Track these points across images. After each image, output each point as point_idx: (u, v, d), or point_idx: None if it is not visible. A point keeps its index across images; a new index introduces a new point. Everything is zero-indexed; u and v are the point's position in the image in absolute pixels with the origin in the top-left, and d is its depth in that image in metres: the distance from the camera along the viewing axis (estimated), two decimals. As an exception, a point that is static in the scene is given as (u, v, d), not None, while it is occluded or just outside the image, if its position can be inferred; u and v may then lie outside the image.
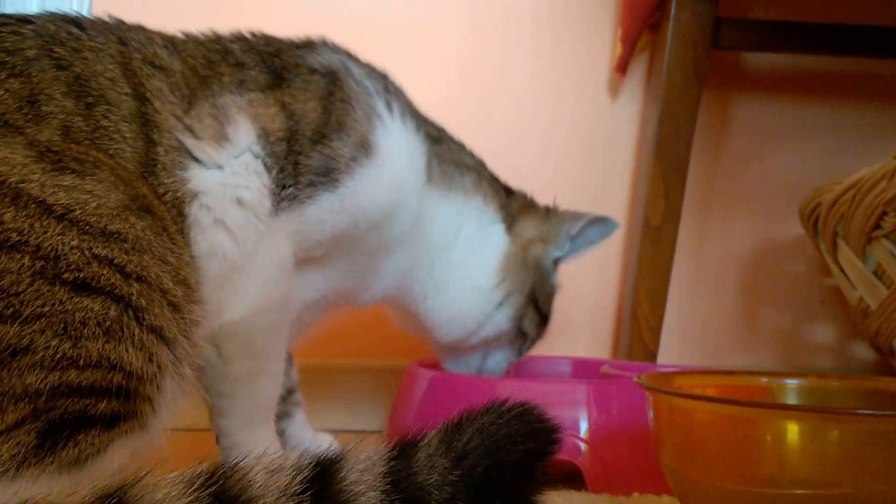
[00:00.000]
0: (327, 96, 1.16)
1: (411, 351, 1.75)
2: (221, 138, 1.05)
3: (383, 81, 1.28)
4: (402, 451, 0.85)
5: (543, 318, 1.47)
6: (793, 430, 0.82)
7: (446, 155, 1.36)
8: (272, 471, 0.79)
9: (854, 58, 1.94)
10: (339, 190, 1.13)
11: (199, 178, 1.03)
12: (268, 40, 1.20)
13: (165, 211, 0.96)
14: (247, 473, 0.78)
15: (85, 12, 1.72)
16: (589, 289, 1.93)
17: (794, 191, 1.85)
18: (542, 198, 1.88)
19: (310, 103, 1.14)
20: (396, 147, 1.22)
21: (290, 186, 1.10)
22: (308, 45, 1.24)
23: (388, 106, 1.24)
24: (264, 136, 1.09)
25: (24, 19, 0.99)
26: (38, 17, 1.01)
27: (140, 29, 1.10)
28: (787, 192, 1.93)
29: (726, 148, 2.00)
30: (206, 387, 1.09)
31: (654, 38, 1.88)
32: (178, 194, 1.00)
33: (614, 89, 1.96)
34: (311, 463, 0.81)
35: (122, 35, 1.05)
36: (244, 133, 1.08)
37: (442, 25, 1.92)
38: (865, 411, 0.82)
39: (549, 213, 1.49)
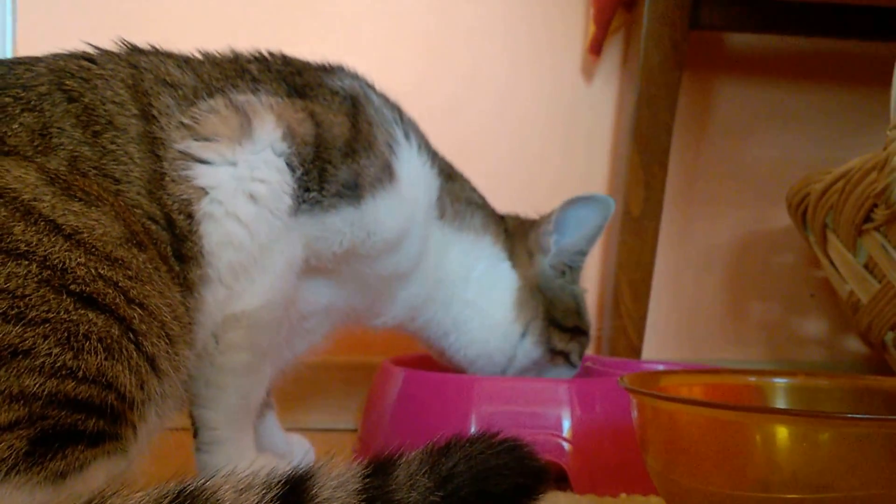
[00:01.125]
0: (354, 115, 1.20)
1: (386, 348, 1.75)
2: (242, 132, 1.09)
3: (398, 112, 1.32)
4: (378, 469, 0.86)
5: (574, 330, 1.46)
6: (782, 434, 0.82)
7: (458, 193, 1.40)
8: (241, 489, 0.80)
9: (843, 39, 1.92)
10: (361, 206, 1.18)
11: (207, 175, 1.06)
12: (286, 60, 1.24)
13: (156, 253, 0.98)
14: (215, 492, 0.79)
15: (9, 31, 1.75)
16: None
17: (782, 178, 1.83)
18: (516, 188, 1.88)
19: (338, 117, 1.18)
20: (414, 177, 1.27)
21: (313, 191, 1.14)
22: (328, 69, 1.28)
23: (407, 136, 1.28)
24: (290, 136, 1.12)
25: (36, 59, 1.05)
26: (48, 56, 1.07)
27: (154, 52, 1.14)
28: (775, 180, 1.91)
29: (709, 134, 1.99)
30: (193, 379, 1.09)
31: (630, 18, 1.86)
32: (185, 197, 1.04)
33: (588, 72, 1.94)
34: (280, 481, 0.81)
35: (132, 59, 1.10)
36: (268, 130, 1.11)
37: (409, 9, 1.90)
38: (856, 415, 0.83)
39: (531, 225, 1.49)
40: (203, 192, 1.05)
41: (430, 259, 1.34)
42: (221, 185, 1.06)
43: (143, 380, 0.89)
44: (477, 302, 1.40)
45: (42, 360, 0.80)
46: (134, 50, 1.13)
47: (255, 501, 0.79)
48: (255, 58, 1.22)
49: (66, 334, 0.82)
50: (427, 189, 1.31)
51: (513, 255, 1.45)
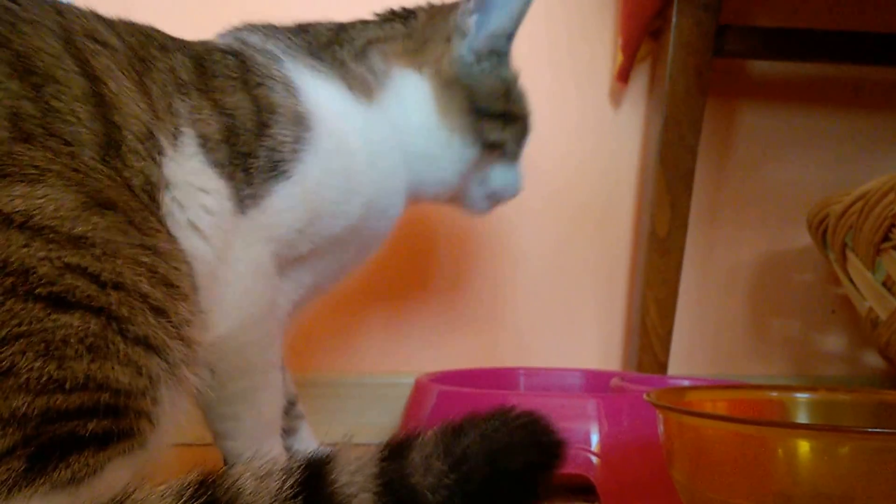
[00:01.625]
0: (245, 83, 1.10)
1: (421, 365, 1.78)
2: (174, 142, 0.99)
3: (283, 36, 1.22)
4: (394, 452, 0.86)
5: (505, 116, 1.33)
6: (803, 447, 0.83)
7: (347, 58, 1.25)
8: (261, 476, 0.80)
9: (859, 65, 1.94)
10: (294, 176, 1.08)
11: (170, 168, 0.96)
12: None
13: (131, 198, 0.89)
14: (236, 480, 0.79)
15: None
16: (598, 300, 1.93)
17: (803, 199, 1.86)
18: (549, 207, 1.89)
19: (237, 94, 1.08)
20: (325, 101, 1.16)
21: (247, 187, 1.05)
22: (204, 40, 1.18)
23: (297, 63, 1.18)
24: (204, 143, 1.02)
25: None
26: None
27: (70, 4, 0.99)
28: (796, 201, 1.93)
29: (732, 156, 2.00)
30: (206, 412, 1.08)
31: (656, 46, 1.89)
32: (153, 179, 0.93)
33: (616, 98, 1.96)
34: (300, 466, 0.81)
35: (57, 6, 0.95)
36: (189, 140, 1.01)
37: None
38: (873, 430, 0.84)
39: (451, 9, 1.33)
40: (167, 183, 0.96)
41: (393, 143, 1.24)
42: (180, 185, 0.97)
43: (140, 365, 0.81)
44: (416, 137, 1.27)
45: (25, 377, 0.73)
46: None
47: (276, 488, 0.79)
48: (147, 25, 1.08)
49: (43, 345, 0.74)
50: (340, 101, 1.19)
51: (423, 54, 1.29)
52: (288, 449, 1.30)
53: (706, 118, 1.77)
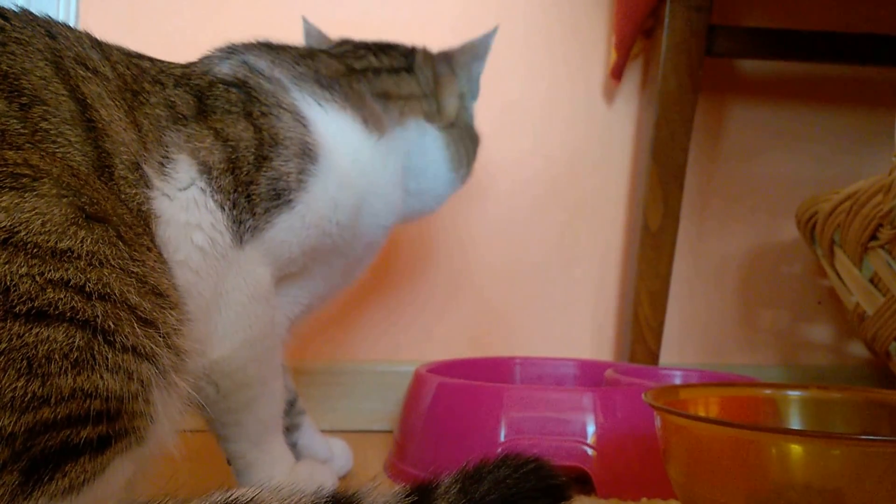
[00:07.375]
0: (249, 113, 1.06)
1: (419, 354, 1.79)
2: (164, 173, 0.95)
3: (289, 62, 1.19)
4: (421, 497, 0.85)
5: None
6: (796, 451, 0.82)
7: (365, 92, 1.26)
8: None
9: (847, 65, 1.93)
10: (296, 208, 1.06)
11: (160, 202, 0.93)
12: (166, 63, 1.08)
13: (126, 213, 0.86)
14: None
15: (72, 18, 1.67)
16: (591, 292, 1.92)
17: (790, 193, 1.87)
18: (541, 203, 1.88)
19: (240, 124, 1.05)
20: (335, 132, 1.15)
21: (248, 220, 1.02)
22: (206, 57, 1.16)
23: (306, 93, 1.16)
24: (206, 171, 0.99)
25: None
26: None
27: (67, 26, 0.96)
28: (783, 194, 1.93)
29: (722, 152, 1.98)
30: (209, 419, 1.06)
31: (649, 44, 1.87)
32: (144, 208, 0.90)
33: (610, 94, 1.94)
34: (327, 501, 0.80)
35: (50, 28, 0.91)
36: (184, 169, 0.97)
37: (427, 28, 1.87)
38: (863, 437, 0.84)
39: (451, 65, 1.42)
40: (157, 217, 0.92)
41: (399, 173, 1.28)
42: (170, 222, 0.94)
43: (130, 371, 0.77)
44: (424, 187, 1.36)
45: (9, 396, 0.69)
46: (49, 18, 0.94)
47: (302, 520, 0.77)
48: (140, 55, 1.05)
49: (25, 363, 0.70)
50: (350, 132, 1.18)
51: (440, 112, 1.37)
52: (293, 445, 1.30)
53: (697, 115, 1.75)
